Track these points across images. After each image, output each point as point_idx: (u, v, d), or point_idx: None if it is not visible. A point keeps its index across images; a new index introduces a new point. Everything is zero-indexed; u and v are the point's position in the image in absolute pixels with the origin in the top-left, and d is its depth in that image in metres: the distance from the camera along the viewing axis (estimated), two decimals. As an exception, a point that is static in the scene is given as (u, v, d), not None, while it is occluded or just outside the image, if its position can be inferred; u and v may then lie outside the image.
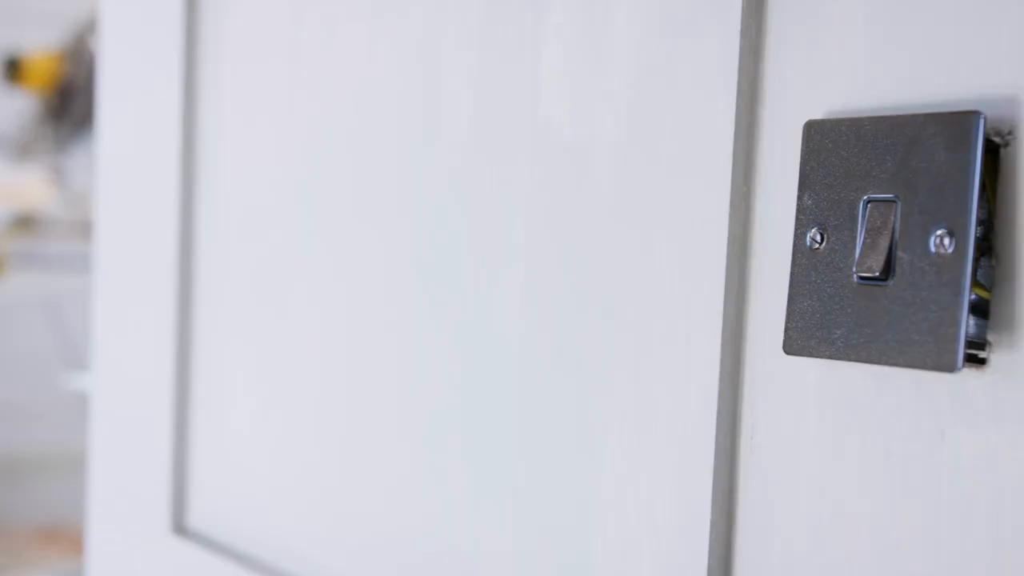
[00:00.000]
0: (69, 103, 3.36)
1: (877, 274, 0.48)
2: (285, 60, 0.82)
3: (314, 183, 0.79)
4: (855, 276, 0.49)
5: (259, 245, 0.84)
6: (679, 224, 0.57)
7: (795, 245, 0.51)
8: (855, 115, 0.50)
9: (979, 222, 0.47)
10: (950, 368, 0.45)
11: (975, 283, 0.47)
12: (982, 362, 0.47)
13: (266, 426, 0.83)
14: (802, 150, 0.51)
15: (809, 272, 0.51)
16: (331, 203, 0.78)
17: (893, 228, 0.48)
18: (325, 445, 0.78)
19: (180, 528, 0.91)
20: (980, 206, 0.46)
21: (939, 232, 0.46)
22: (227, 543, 0.86)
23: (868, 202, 0.49)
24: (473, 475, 0.68)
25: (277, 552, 0.82)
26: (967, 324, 0.46)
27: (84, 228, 3.22)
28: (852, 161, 0.49)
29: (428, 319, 0.71)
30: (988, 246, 0.47)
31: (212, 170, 0.88)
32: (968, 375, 0.47)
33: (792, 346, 0.51)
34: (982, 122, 0.46)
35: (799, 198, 0.51)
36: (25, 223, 3.49)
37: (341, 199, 0.77)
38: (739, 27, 0.54)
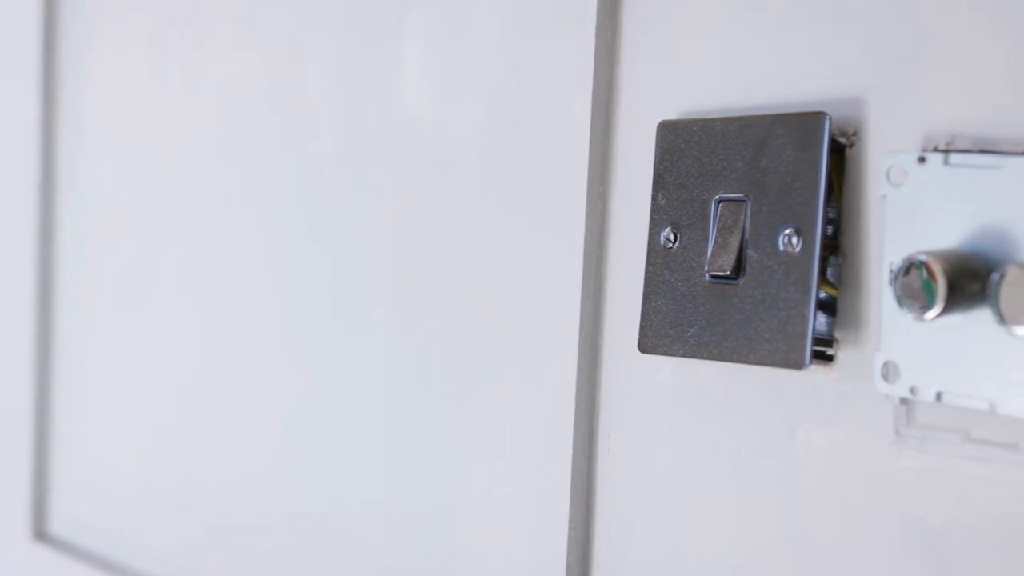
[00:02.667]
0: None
1: (728, 273, 0.48)
2: (148, 63, 0.80)
3: (176, 188, 0.78)
4: (707, 275, 0.49)
5: (123, 249, 0.82)
6: (538, 223, 0.57)
7: (649, 244, 0.52)
8: (707, 116, 0.51)
9: (828, 221, 0.47)
10: (798, 365, 0.46)
11: (824, 281, 0.47)
12: (830, 359, 0.48)
13: (128, 432, 0.82)
14: (656, 150, 0.52)
15: (663, 271, 0.51)
16: (194, 206, 0.77)
17: (744, 227, 0.48)
18: (188, 449, 0.77)
19: (41, 534, 0.89)
20: (828, 205, 0.47)
21: (787, 231, 0.47)
22: (88, 548, 0.85)
23: (720, 202, 0.49)
24: (338, 476, 0.67)
25: (139, 555, 0.81)
26: (815, 322, 0.46)
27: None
28: (704, 161, 0.50)
29: (291, 322, 0.70)
30: (836, 244, 0.48)
31: (73, 171, 0.86)
32: (816, 372, 0.48)
33: (647, 345, 0.51)
34: (828, 123, 0.46)
35: (653, 198, 0.51)
36: None
37: (204, 202, 0.76)
38: (594, 29, 0.54)
